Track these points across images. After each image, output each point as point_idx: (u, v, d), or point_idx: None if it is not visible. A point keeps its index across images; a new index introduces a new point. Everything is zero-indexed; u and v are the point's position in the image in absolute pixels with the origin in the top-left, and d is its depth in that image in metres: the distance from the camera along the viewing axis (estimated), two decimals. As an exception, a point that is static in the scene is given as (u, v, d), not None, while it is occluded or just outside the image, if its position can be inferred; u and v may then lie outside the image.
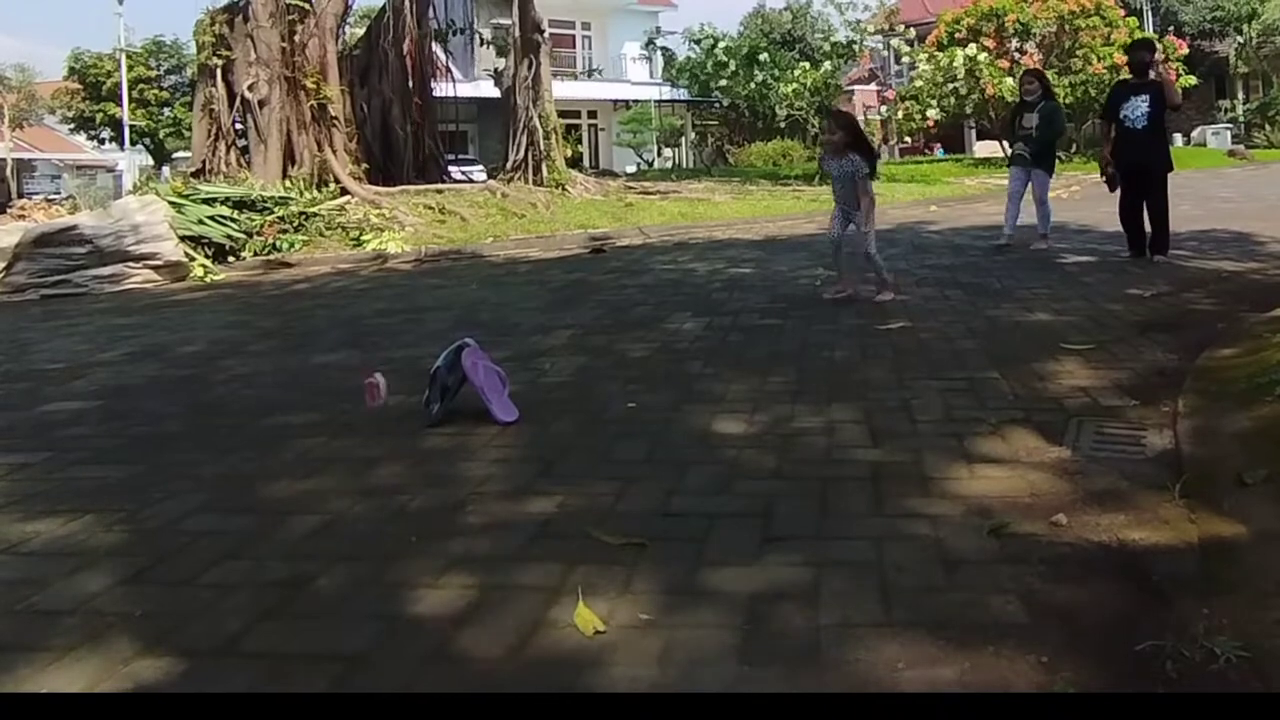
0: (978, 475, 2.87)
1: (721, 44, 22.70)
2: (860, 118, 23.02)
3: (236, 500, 2.98)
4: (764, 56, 22.13)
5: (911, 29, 25.65)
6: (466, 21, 21.90)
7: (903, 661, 1.87)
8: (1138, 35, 23.64)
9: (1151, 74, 7.55)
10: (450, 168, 17.74)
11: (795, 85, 20.97)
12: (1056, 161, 8.98)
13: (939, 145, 32.81)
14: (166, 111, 39.64)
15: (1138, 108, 7.25)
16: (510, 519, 2.70)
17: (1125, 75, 23.17)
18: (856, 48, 22.71)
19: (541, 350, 5.11)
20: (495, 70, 20.26)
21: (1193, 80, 24.89)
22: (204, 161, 13.75)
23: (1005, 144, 9.86)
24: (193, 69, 22.02)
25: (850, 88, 29.45)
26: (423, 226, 12.32)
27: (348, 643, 2.04)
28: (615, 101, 34.22)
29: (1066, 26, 22.45)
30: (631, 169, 28.71)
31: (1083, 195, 14.61)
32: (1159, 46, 22.84)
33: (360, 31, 18.21)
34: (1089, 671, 1.81)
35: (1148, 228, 7.48)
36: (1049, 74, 22.59)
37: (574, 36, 36.13)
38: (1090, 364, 4.19)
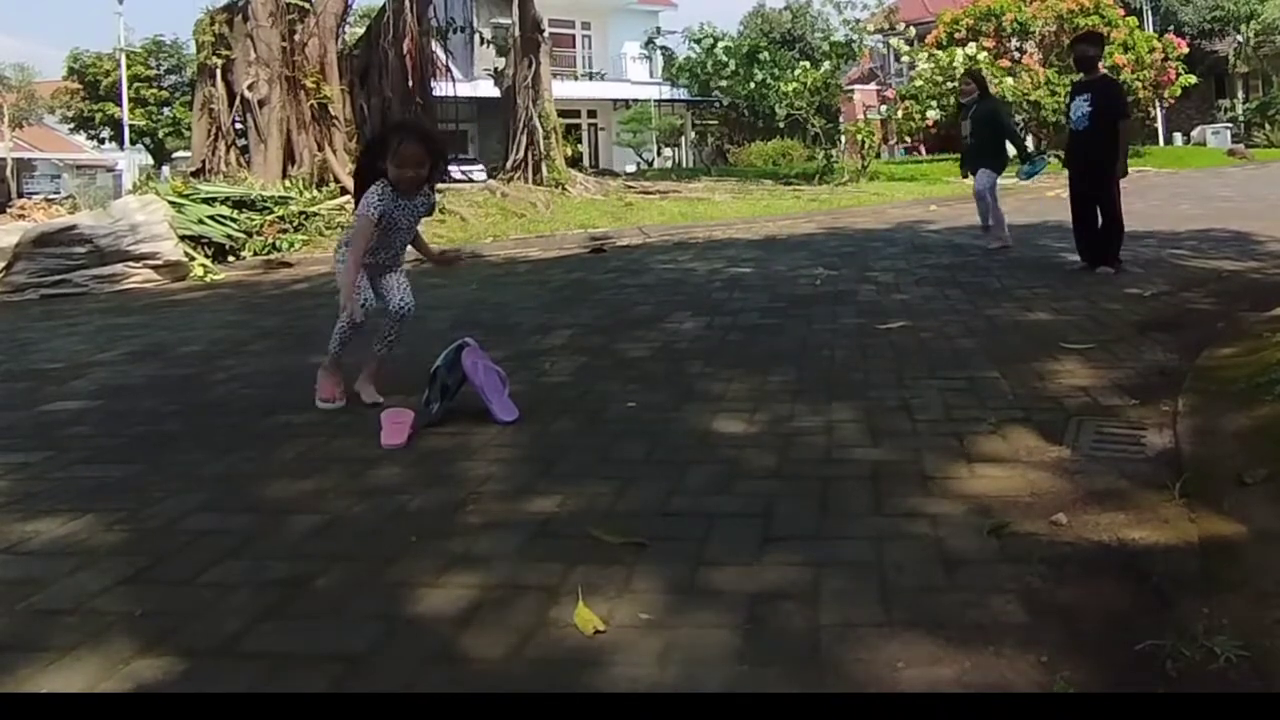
0: (978, 475, 2.87)
1: (721, 43, 22.66)
2: (860, 117, 23.02)
3: (236, 500, 2.98)
4: (764, 56, 22.12)
5: (911, 28, 25.64)
6: (466, 21, 21.91)
7: (903, 661, 1.87)
8: (1137, 34, 23.72)
9: (1102, 69, 7.12)
10: (450, 167, 17.72)
11: (795, 85, 20.96)
12: (1053, 162, 8.89)
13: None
14: (166, 111, 39.63)
15: (1079, 108, 6.83)
16: (510, 519, 2.70)
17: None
18: (856, 47, 22.69)
19: (541, 350, 5.11)
20: (495, 70, 20.24)
21: (1193, 80, 24.92)
22: (204, 161, 13.76)
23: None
24: (192, 69, 22.04)
25: (850, 87, 29.37)
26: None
27: (348, 643, 2.04)
28: (615, 101, 34.21)
29: (1065, 26, 22.46)
30: (631, 169, 28.70)
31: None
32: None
33: (360, 31, 18.21)
34: (1089, 671, 1.81)
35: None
36: (1049, 73, 22.73)
37: (574, 36, 36.13)
38: (1090, 363, 4.19)
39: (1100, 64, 7.32)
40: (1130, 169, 7.23)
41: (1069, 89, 7.62)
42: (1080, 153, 6.93)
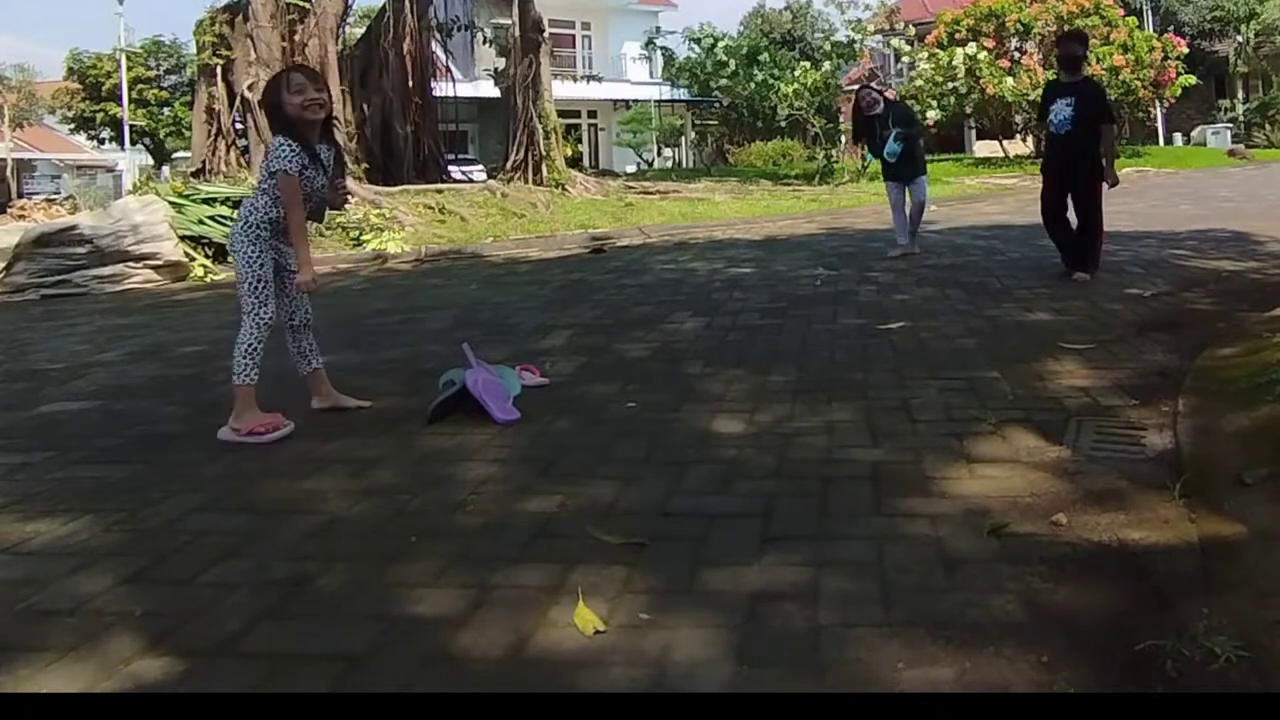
0: (977, 475, 2.87)
1: (721, 44, 22.69)
2: (860, 117, 23.00)
3: (236, 500, 2.98)
4: (764, 56, 22.14)
5: (912, 28, 25.66)
6: (467, 21, 21.91)
7: (903, 661, 1.87)
8: (1136, 35, 23.69)
9: (1086, 71, 6.79)
10: (450, 167, 17.74)
11: (795, 85, 20.98)
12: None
13: None
14: (166, 111, 39.60)
15: (1061, 110, 6.42)
16: (510, 519, 2.70)
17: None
18: (857, 47, 22.70)
19: (541, 350, 5.10)
20: (495, 70, 20.26)
21: (1193, 80, 24.90)
22: (204, 161, 13.80)
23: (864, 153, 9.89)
24: (193, 69, 22.06)
25: (851, 87, 29.36)
26: (423, 226, 12.33)
27: (348, 643, 2.04)
28: (615, 101, 34.19)
29: (1064, 27, 22.45)
30: (631, 169, 28.71)
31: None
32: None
33: (360, 31, 18.22)
34: (1089, 671, 1.81)
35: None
36: (1048, 74, 22.69)
37: (574, 36, 36.07)
38: (1090, 364, 4.19)
39: (1084, 66, 7.07)
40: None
41: (1044, 87, 7.15)
42: (1061, 158, 6.64)
